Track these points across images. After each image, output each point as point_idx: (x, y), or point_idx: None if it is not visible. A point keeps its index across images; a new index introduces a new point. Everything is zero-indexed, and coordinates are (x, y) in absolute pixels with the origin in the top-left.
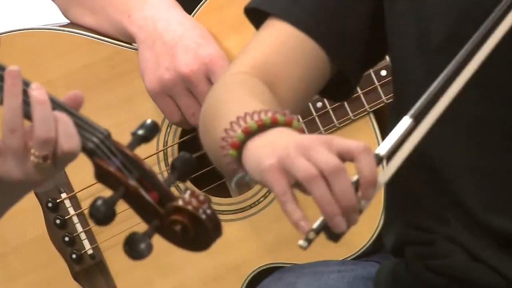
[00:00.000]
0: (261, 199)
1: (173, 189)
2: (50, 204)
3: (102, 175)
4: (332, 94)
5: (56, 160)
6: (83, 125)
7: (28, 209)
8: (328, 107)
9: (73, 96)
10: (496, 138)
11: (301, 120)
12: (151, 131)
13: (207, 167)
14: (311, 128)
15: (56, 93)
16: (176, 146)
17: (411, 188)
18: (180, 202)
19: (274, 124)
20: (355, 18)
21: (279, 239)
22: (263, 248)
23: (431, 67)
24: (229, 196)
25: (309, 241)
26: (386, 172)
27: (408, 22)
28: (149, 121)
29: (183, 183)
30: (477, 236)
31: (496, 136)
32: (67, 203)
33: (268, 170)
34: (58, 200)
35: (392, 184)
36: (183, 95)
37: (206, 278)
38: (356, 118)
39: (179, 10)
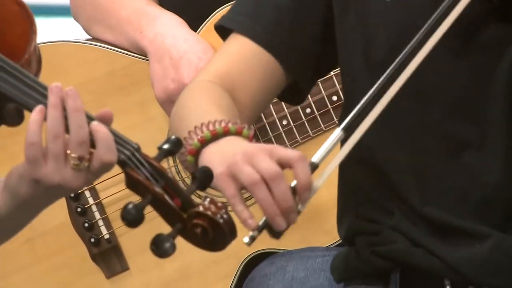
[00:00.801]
0: None
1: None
2: (72, 195)
3: (132, 183)
4: (288, 99)
5: (95, 169)
6: (116, 139)
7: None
8: (316, 113)
9: (104, 113)
10: (432, 142)
11: (251, 127)
12: (175, 145)
13: None
14: (301, 131)
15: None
16: None
17: (360, 185)
18: (201, 208)
19: (226, 133)
20: (308, 34)
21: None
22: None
23: (376, 79)
24: None
25: (253, 238)
26: (321, 178)
27: (356, 38)
28: (173, 137)
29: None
30: (416, 225)
31: (433, 140)
32: (87, 193)
33: (219, 177)
34: (79, 191)
35: (344, 181)
36: None
37: (208, 261)
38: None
39: (185, 28)
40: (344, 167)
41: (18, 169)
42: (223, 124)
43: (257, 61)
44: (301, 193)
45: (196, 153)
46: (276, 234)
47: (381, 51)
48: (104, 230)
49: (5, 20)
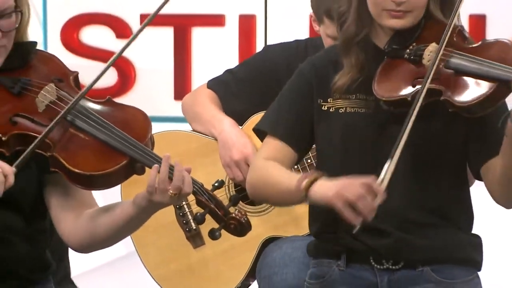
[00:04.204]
0: (268, 209)
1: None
2: (178, 206)
3: (199, 203)
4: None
5: (180, 196)
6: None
7: (167, 208)
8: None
9: (187, 168)
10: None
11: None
12: (221, 184)
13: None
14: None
15: (181, 160)
16: (232, 183)
17: (324, 207)
18: (233, 215)
19: (317, 178)
20: (306, 132)
21: (275, 225)
22: (268, 228)
23: (336, 154)
24: (255, 205)
25: (358, 228)
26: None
27: (325, 134)
28: (220, 179)
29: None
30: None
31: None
32: (185, 205)
33: (332, 197)
34: (181, 204)
35: (313, 205)
36: (234, 168)
37: (247, 239)
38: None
39: (237, 127)
40: None
41: (142, 194)
42: (315, 174)
43: (282, 150)
44: (379, 196)
45: (307, 189)
46: (365, 225)
47: (337, 139)
48: (193, 225)
49: (135, 121)
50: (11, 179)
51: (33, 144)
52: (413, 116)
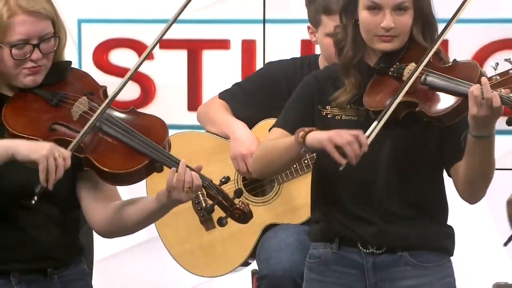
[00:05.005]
0: (270, 200)
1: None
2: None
3: (208, 195)
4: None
5: (193, 190)
6: (201, 177)
7: None
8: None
9: (198, 167)
10: (356, 183)
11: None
12: (227, 179)
13: (255, 184)
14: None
15: (197, 157)
16: (240, 178)
17: (324, 199)
18: (237, 205)
19: (312, 130)
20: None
21: (276, 214)
22: (270, 216)
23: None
24: (260, 196)
25: (344, 167)
26: (370, 137)
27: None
28: (226, 175)
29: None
30: (347, 217)
31: (355, 182)
32: (200, 194)
33: (324, 141)
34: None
35: (315, 197)
36: (241, 161)
37: (251, 225)
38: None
39: (246, 129)
40: (316, 190)
41: (163, 191)
42: (309, 128)
43: (286, 136)
44: (363, 147)
45: (304, 138)
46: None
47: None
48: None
49: (155, 127)
50: (69, 162)
51: (85, 128)
52: (401, 96)
